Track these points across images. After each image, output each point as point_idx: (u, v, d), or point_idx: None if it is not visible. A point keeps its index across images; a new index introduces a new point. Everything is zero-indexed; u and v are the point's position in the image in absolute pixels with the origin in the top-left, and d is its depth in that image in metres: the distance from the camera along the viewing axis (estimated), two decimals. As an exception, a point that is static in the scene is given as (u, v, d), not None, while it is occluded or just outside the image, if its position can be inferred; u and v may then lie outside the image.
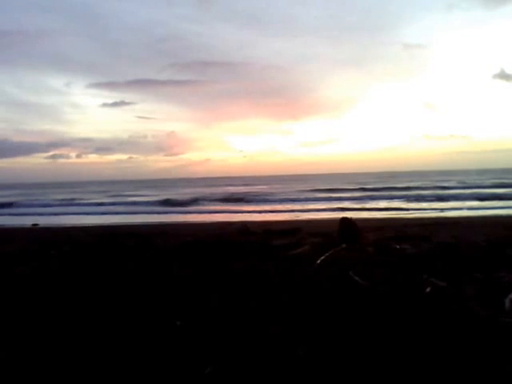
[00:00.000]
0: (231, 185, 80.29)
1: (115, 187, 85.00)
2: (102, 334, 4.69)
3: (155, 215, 27.92)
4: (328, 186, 61.09)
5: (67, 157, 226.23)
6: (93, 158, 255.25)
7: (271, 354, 4.02)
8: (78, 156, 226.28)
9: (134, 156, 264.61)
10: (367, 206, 30.39)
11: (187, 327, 4.81)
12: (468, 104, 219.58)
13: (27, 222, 23.52)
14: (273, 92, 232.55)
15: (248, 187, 67.81)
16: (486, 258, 7.81)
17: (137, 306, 5.69)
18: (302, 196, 42.82)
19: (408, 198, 34.71)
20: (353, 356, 3.93)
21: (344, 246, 10.03)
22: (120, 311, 5.47)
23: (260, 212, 28.61)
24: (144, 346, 4.29)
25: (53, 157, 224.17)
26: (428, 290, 6.03)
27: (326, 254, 8.99)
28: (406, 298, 5.65)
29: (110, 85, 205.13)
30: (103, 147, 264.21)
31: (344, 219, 11.19)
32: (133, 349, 4.24)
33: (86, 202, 45.29)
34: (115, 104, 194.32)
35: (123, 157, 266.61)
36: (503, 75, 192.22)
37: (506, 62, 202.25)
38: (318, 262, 8.43)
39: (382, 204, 31.10)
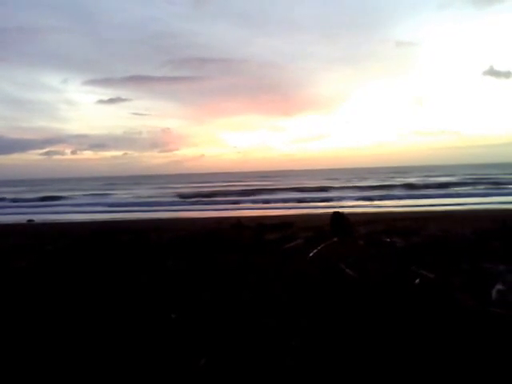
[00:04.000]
0: (225, 180, 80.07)
1: (110, 183, 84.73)
2: (98, 326, 4.78)
3: (150, 211, 27.94)
4: (321, 180, 61.38)
5: (62, 153, 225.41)
6: (88, 154, 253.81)
7: (265, 344, 4.11)
8: (73, 152, 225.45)
9: (129, 152, 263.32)
10: (359, 200, 30.55)
11: (182, 320, 4.90)
12: (458, 100, 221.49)
13: (22, 218, 23.51)
14: (267, 89, 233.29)
15: (242, 183, 67.69)
16: (473, 251, 7.97)
17: (132, 299, 5.77)
18: (295, 191, 42.92)
19: (398, 192, 34.98)
20: (344, 345, 4.05)
21: (336, 239, 10.19)
22: (115, 305, 5.55)
23: (253, 207, 28.71)
24: (140, 339, 4.37)
25: (48, 153, 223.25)
26: (417, 281, 6.19)
27: (318, 248, 9.15)
28: (395, 289, 5.78)
29: (107, 81, 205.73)
30: (98, 143, 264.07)
31: (336, 213, 11.35)
32: (129, 342, 4.32)
33: (79, 198, 45.03)
34: (111, 100, 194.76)
35: (118, 153, 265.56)
36: (492, 72, 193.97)
37: (495, 59, 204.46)
38: (311, 255, 8.58)
39: (374, 198, 31.26)
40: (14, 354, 4.13)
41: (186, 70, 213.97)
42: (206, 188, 54.89)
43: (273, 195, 38.98)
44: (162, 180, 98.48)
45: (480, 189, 35.57)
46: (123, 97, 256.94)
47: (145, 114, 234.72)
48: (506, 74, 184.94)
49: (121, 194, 48.82)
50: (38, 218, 23.52)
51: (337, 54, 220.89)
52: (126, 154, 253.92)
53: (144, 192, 51.70)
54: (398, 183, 46.41)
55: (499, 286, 5.60)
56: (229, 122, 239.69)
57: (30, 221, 21.81)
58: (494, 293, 5.42)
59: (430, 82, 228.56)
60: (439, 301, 5.23)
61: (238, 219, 14.94)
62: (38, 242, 11.27)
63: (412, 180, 51.75)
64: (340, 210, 12.66)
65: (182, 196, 41.09)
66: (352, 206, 25.75)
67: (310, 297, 5.61)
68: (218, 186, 58.62)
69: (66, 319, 5.05)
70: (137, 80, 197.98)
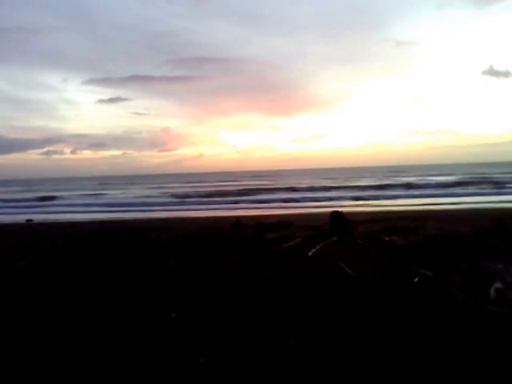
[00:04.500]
0: (224, 180, 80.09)
1: (109, 183, 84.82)
2: (98, 326, 4.79)
3: (149, 211, 27.97)
4: (320, 180, 61.48)
5: (61, 153, 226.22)
6: (87, 153, 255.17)
7: (263, 343, 4.12)
8: (73, 152, 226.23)
9: (128, 152, 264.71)
10: (358, 199, 30.59)
11: (182, 319, 4.91)
12: (458, 100, 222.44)
13: (21, 217, 23.51)
14: (267, 88, 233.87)
15: (241, 182, 67.74)
16: (471, 249, 7.98)
17: (132, 298, 5.79)
18: (294, 190, 42.96)
19: (397, 192, 35.04)
20: (344, 344, 4.07)
21: (335, 238, 10.21)
22: (115, 304, 5.57)
23: (253, 207, 28.75)
24: (140, 338, 4.39)
25: (47, 153, 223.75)
26: (416, 279, 6.22)
27: (318, 247, 9.17)
28: (394, 287, 5.82)
29: (106, 81, 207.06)
30: (98, 143, 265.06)
31: (335, 213, 11.38)
32: (129, 341, 4.33)
33: (78, 198, 44.99)
34: (111, 100, 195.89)
35: (117, 152, 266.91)
36: (492, 72, 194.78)
37: (495, 58, 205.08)
38: (310, 254, 8.61)
39: (372, 197, 31.30)
40: (15, 352, 4.14)
41: (186, 70, 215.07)
42: (205, 187, 54.90)
43: (272, 194, 39.01)
44: (161, 179, 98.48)
45: (479, 188, 35.66)
46: (123, 96, 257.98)
47: (144, 114, 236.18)
48: (505, 74, 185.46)
49: (119, 194, 48.80)
50: (37, 217, 23.52)
51: (336, 53, 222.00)
52: (125, 153, 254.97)
53: (143, 192, 51.75)
54: (396, 182, 46.47)
55: (497, 285, 5.61)
56: (228, 122, 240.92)
57: (28, 220, 21.80)
58: (492, 291, 5.43)
59: (429, 81, 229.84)
60: (438, 299, 5.26)
61: (237, 219, 14.96)
62: (36, 242, 11.28)
63: (411, 179, 51.75)
64: (339, 209, 12.67)
65: (181, 195, 41.10)
66: (351, 205, 25.77)
67: (310, 296, 5.63)
68: (217, 186, 58.65)
69: (65, 318, 5.06)
70: (136, 79, 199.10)
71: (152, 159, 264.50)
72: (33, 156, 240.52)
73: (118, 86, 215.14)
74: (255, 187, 49.39)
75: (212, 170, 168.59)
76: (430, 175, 61.99)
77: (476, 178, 48.65)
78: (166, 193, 46.24)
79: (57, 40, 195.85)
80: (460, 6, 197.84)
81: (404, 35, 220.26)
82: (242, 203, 32.23)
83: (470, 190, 34.04)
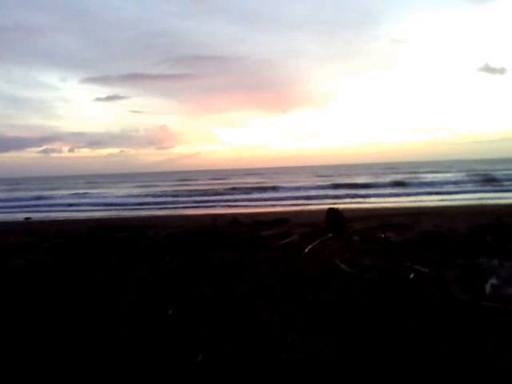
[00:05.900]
0: (221, 177, 79.99)
1: (106, 181, 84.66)
2: (96, 322, 4.83)
3: (146, 208, 27.97)
4: (316, 177, 61.53)
5: (59, 151, 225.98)
6: (85, 152, 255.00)
7: (261, 340, 4.16)
8: (70, 150, 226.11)
9: (126, 150, 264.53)
10: (354, 196, 30.62)
11: (179, 316, 4.94)
12: (453, 97, 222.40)
13: (20, 216, 23.48)
14: (262, 86, 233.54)
15: (237, 180, 67.69)
16: (467, 246, 8.03)
17: (129, 295, 5.83)
18: (290, 187, 42.98)
19: (393, 188, 35.08)
20: (340, 339, 4.12)
21: (331, 235, 10.26)
22: (113, 301, 5.61)
23: (249, 204, 28.76)
24: (137, 335, 4.42)
25: (45, 151, 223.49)
26: (411, 276, 6.28)
27: (314, 243, 9.22)
28: (390, 283, 5.87)
29: (104, 79, 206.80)
30: (95, 141, 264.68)
31: (331, 209, 11.43)
32: (126, 338, 4.36)
33: (76, 196, 44.90)
34: (108, 98, 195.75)
35: (115, 150, 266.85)
36: (488, 69, 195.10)
37: (491, 56, 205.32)
38: (306, 250, 8.65)
39: (368, 194, 31.34)
40: (13, 349, 4.18)
41: (183, 68, 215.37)
42: (202, 185, 54.82)
43: (268, 192, 39.01)
44: (158, 177, 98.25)
45: (474, 184, 35.77)
46: (120, 94, 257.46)
47: (142, 112, 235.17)
48: (501, 71, 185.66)
49: (117, 192, 48.72)
50: (35, 215, 23.50)
51: (332, 51, 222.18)
52: (122, 151, 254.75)
53: (140, 189, 51.62)
54: (392, 179, 46.44)
55: (493, 281, 5.65)
56: (225, 119, 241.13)
57: (27, 219, 21.78)
58: (488, 287, 5.48)
59: (425, 78, 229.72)
60: (433, 295, 5.31)
61: (234, 216, 14.99)
62: (35, 240, 11.29)
63: (407, 176, 51.79)
64: (335, 206, 12.71)
65: (178, 193, 41.05)
66: (347, 202, 25.80)
67: (307, 292, 5.67)
68: (213, 183, 58.60)
69: (63, 316, 5.10)
70: (134, 78, 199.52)
71: (149, 157, 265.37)
72: (30, 154, 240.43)
73: (115, 84, 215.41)
74: (252, 185, 49.33)
75: (209, 168, 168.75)
76: (426, 172, 62.03)
77: (472, 174, 48.67)
78: (163, 191, 46.12)
79: (55, 39, 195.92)
80: (456, 3, 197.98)
81: (399, 33, 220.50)
82: (238, 201, 32.23)
83: (466, 186, 34.11)
